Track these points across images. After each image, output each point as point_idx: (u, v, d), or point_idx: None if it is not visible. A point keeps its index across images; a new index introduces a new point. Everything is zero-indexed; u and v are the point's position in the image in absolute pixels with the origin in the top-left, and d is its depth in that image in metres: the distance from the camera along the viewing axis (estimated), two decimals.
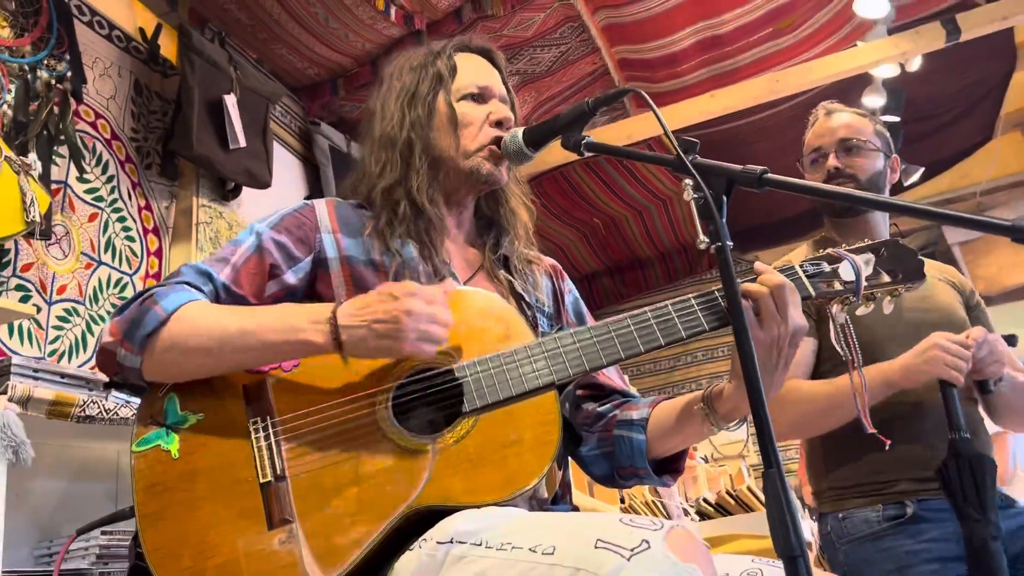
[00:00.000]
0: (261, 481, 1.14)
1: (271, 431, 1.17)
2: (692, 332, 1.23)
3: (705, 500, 2.43)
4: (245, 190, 3.24)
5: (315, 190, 3.76)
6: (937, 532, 1.80)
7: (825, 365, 1.96)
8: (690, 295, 1.25)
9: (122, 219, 2.82)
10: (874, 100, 4.56)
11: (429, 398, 1.20)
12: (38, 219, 1.89)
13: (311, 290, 1.34)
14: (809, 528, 2.62)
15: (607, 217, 5.59)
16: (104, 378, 1.58)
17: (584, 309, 1.57)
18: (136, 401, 1.59)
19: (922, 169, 5.22)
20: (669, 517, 2.57)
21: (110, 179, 2.80)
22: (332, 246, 1.34)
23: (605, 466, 1.41)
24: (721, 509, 2.36)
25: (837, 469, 1.94)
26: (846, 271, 1.26)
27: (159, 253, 2.96)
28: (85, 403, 1.44)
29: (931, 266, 2.11)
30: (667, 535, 0.93)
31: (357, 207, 1.42)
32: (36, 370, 1.41)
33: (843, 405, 1.79)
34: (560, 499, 1.37)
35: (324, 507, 1.13)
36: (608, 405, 1.43)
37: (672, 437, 1.34)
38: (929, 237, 5.83)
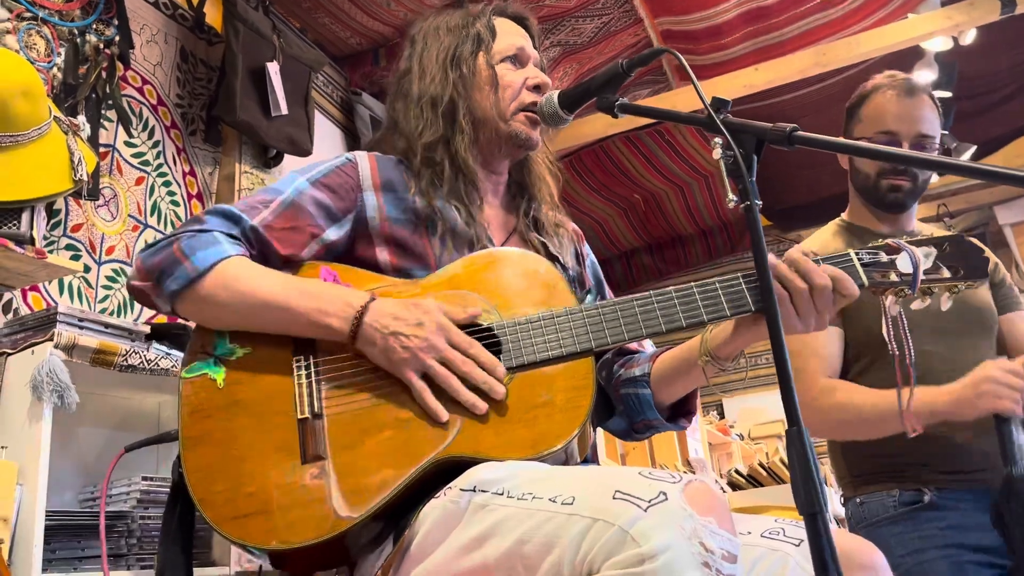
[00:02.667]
0: (299, 417, 1.17)
1: (313, 370, 1.21)
2: (737, 311, 1.23)
3: (737, 471, 2.42)
4: (287, 157, 3.29)
5: None
6: (953, 519, 1.77)
7: (863, 359, 1.90)
8: (739, 274, 1.25)
9: (167, 184, 2.89)
10: (925, 74, 4.46)
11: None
12: (85, 178, 1.94)
13: (351, 247, 1.35)
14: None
15: (647, 192, 5.56)
16: (146, 330, 1.63)
17: (601, 275, 1.59)
18: (177, 354, 1.65)
19: (974, 148, 5.11)
20: None
21: (156, 144, 2.86)
22: (373, 206, 1.35)
23: (620, 423, 1.44)
24: (753, 481, 2.35)
25: (856, 454, 1.92)
26: (904, 263, 1.23)
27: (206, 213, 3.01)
28: (127, 353, 1.49)
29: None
30: (685, 487, 0.94)
31: (398, 163, 1.43)
32: (81, 319, 1.45)
33: (892, 421, 1.74)
34: (589, 462, 1.39)
35: (356, 447, 1.16)
36: (614, 367, 1.45)
37: (676, 385, 1.37)
38: (979, 218, 5.70)
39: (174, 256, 1.20)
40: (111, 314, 2.54)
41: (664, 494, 0.93)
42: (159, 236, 1.27)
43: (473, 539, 1.04)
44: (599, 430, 1.49)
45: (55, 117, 1.98)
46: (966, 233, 2.09)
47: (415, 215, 1.36)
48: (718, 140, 1.17)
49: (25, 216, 1.87)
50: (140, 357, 1.51)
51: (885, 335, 1.44)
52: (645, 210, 5.77)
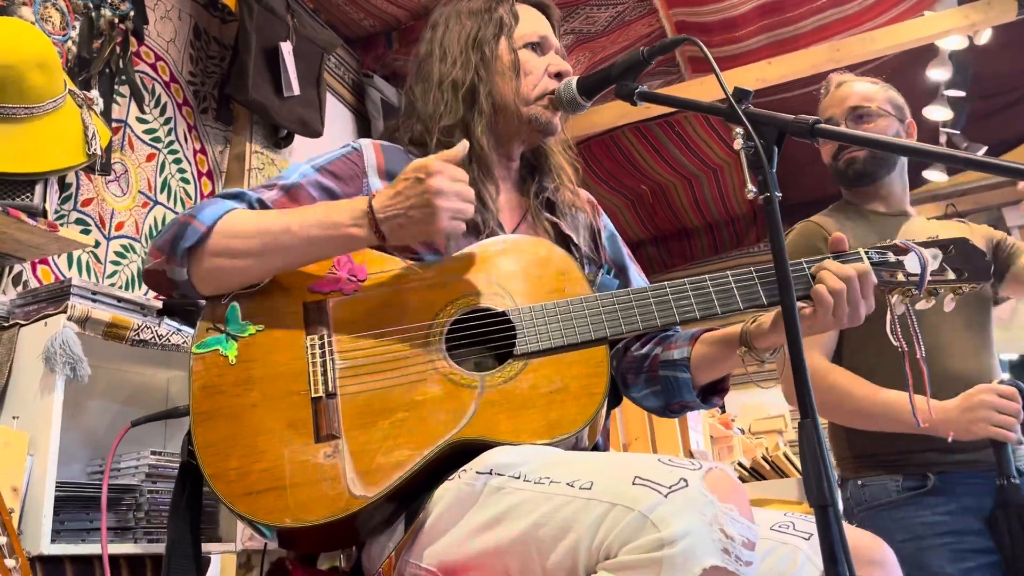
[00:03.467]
0: (313, 395, 1.17)
1: (327, 349, 1.21)
2: (750, 305, 1.25)
3: (740, 464, 2.43)
4: (297, 138, 3.28)
5: None
6: (955, 505, 1.79)
7: (868, 350, 1.92)
8: (751, 268, 1.27)
9: (178, 161, 2.88)
10: (939, 73, 4.44)
11: (482, 337, 1.23)
12: (99, 152, 1.94)
13: None
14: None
15: (655, 184, 5.54)
16: (158, 305, 1.64)
17: (622, 245, 1.59)
18: (188, 330, 1.65)
19: (985, 148, 5.08)
20: None
21: (167, 121, 2.85)
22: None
23: (656, 402, 1.45)
24: (755, 474, 2.36)
25: (860, 436, 1.93)
26: (911, 263, 1.25)
27: (212, 196, 3.01)
28: (139, 327, 1.49)
29: (957, 226, 2.10)
30: (706, 475, 0.94)
31: (405, 151, 1.43)
32: (95, 292, 1.45)
33: (894, 422, 1.79)
34: (599, 448, 1.39)
35: (371, 428, 1.16)
36: (649, 345, 1.45)
37: (714, 370, 1.38)
38: (987, 219, 5.69)
39: (181, 222, 1.22)
40: (120, 290, 2.54)
41: (685, 480, 0.93)
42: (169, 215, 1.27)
43: (487, 521, 1.05)
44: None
45: (70, 90, 1.98)
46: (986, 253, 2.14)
47: None
48: (739, 131, 1.17)
49: (38, 188, 1.87)
50: (152, 332, 1.51)
51: (889, 334, 1.45)
52: (652, 202, 5.75)
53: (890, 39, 3.89)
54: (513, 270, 1.28)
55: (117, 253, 2.56)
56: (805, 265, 1.25)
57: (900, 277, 1.25)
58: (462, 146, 1.23)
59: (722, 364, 1.36)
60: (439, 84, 1.43)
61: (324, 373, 1.19)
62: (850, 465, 1.96)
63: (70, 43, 2.33)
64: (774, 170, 1.14)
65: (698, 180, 5.51)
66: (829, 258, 1.25)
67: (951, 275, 1.25)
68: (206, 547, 1.48)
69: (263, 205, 1.29)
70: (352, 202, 1.22)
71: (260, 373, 1.20)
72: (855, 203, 2.10)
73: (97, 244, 2.46)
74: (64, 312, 1.39)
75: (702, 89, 4.23)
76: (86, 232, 2.43)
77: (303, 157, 3.32)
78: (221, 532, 1.59)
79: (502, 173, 1.48)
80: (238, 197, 1.29)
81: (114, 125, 2.57)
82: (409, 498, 1.16)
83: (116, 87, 2.54)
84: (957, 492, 1.80)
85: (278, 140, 3.24)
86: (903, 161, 2.10)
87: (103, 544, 1.33)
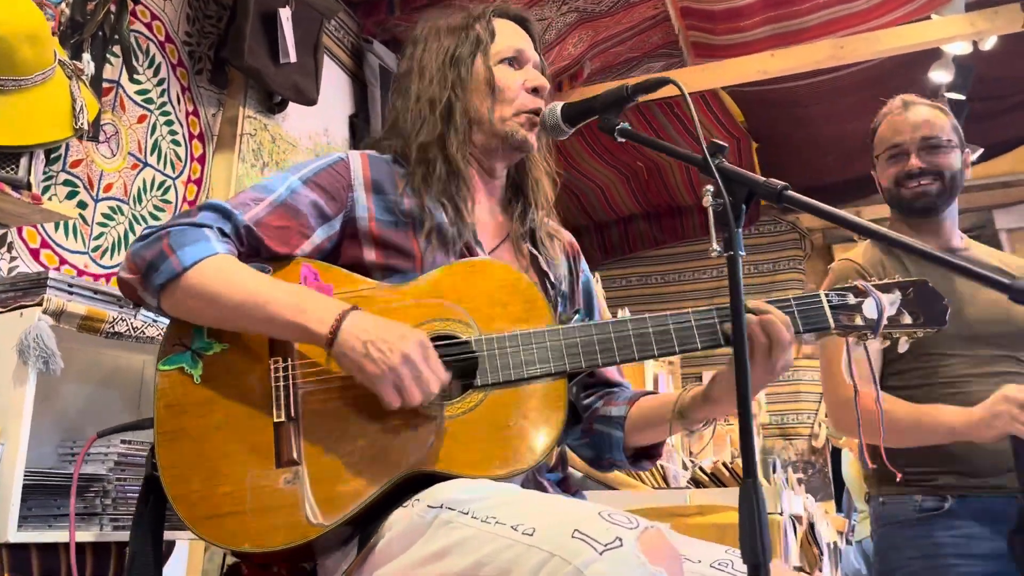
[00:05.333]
0: (275, 420, 1.19)
1: (290, 373, 1.22)
2: (708, 345, 1.28)
3: (701, 469, 2.51)
4: (291, 104, 3.27)
5: (361, 108, 3.78)
6: (968, 529, 1.83)
7: (902, 363, 1.94)
8: (713, 309, 1.28)
9: (169, 123, 2.87)
10: (941, 75, 4.43)
11: (444, 363, 1.23)
12: (86, 127, 1.94)
13: (339, 245, 1.36)
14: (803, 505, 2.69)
15: (651, 162, 5.55)
16: None
17: (593, 291, 1.61)
18: (163, 321, 1.67)
19: (981, 150, 5.09)
20: (666, 480, 2.65)
21: (161, 82, 2.84)
22: (363, 206, 1.36)
23: (588, 453, 1.50)
24: (715, 479, 2.45)
25: (887, 454, 1.97)
26: (869, 308, 1.27)
27: (202, 159, 3.01)
28: (115, 320, 1.51)
29: (1006, 259, 2.07)
30: (640, 535, 0.99)
31: (392, 162, 1.44)
32: (71, 285, 1.47)
33: (926, 436, 1.82)
34: (554, 469, 1.43)
35: (331, 455, 1.18)
36: (592, 398, 1.49)
37: (647, 434, 1.43)
38: (977, 220, 5.72)
39: (162, 250, 1.21)
40: (105, 251, 2.56)
41: (620, 540, 0.97)
42: (151, 225, 1.27)
43: (434, 553, 1.09)
44: None
45: (60, 61, 1.97)
46: (964, 234, 2.15)
47: (403, 215, 1.37)
48: (709, 187, 1.19)
49: (24, 161, 1.88)
50: (127, 325, 1.53)
51: (845, 374, 1.48)
52: (647, 179, 5.76)
53: (895, 40, 3.88)
54: (480, 296, 1.29)
55: (104, 215, 2.56)
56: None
57: (858, 321, 1.27)
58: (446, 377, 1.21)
59: (655, 430, 1.40)
60: (416, 101, 1.44)
61: (287, 397, 1.21)
62: (874, 482, 2.01)
63: (63, 6, 2.31)
64: (740, 229, 1.17)
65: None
66: (792, 300, 1.28)
67: (907, 319, 1.27)
68: (174, 535, 1.53)
69: (250, 233, 1.28)
70: (330, 301, 1.21)
71: (224, 394, 1.21)
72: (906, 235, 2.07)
73: (84, 206, 2.47)
74: (39, 304, 1.41)
75: (700, 76, 4.22)
76: (73, 194, 2.44)
77: (297, 122, 3.34)
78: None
79: (483, 190, 1.49)
80: (226, 216, 1.27)
81: (105, 86, 2.56)
82: (365, 522, 1.19)
83: (110, 47, 2.52)
84: (973, 516, 1.83)
85: (272, 106, 3.22)
86: (959, 191, 2.06)
87: (71, 531, 1.38)
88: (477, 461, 1.19)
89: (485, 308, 1.28)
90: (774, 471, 2.38)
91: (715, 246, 1.16)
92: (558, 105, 1.44)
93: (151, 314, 1.62)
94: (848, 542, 4.67)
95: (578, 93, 4.33)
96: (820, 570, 2.75)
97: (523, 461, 1.20)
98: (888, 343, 1.33)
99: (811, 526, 2.67)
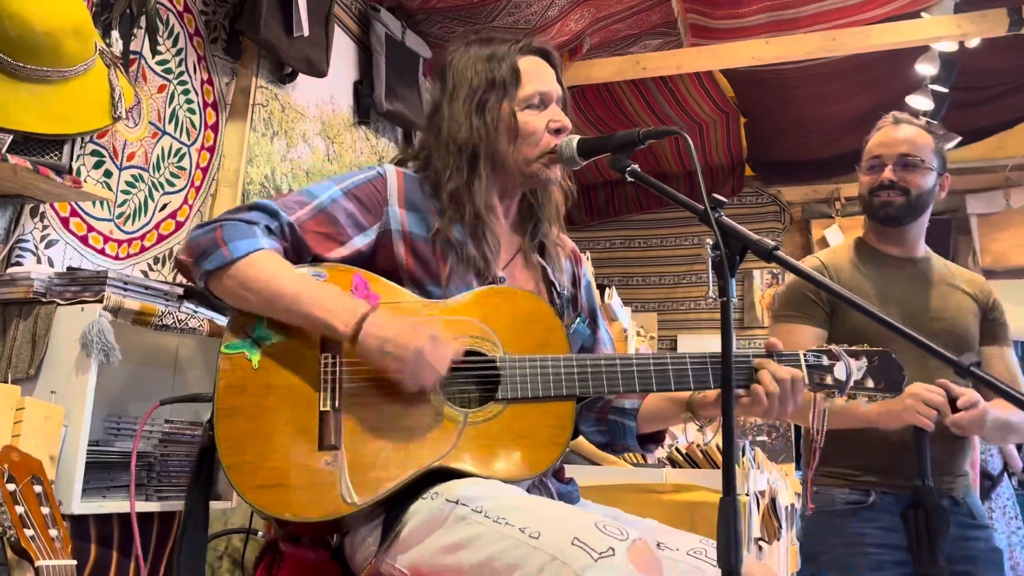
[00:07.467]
0: (321, 408, 1.37)
1: (338, 368, 1.40)
2: (700, 387, 1.49)
3: (677, 449, 2.73)
4: (300, 75, 3.36)
5: (366, 75, 3.86)
6: (888, 522, 2.04)
7: None
8: (706, 356, 1.48)
9: (186, 91, 2.97)
10: (927, 68, 4.58)
11: (472, 376, 1.45)
12: (124, 116, 2.06)
13: (374, 252, 1.52)
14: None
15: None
16: (179, 291, 1.81)
17: (595, 294, 1.79)
18: (204, 312, 1.84)
19: (959, 138, 5.27)
20: (645, 457, 2.87)
21: (179, 52, 2.92)
22: (397, 219, 1.52)
23: (601, 439, 1.70)
24: (690, 460, 2.67)
25: (826, 450, 2.12)
26: (840, 371, 1.49)
27: (215, 127, 3.12)
28: (163, 313, 1.67)
29: (960, 274, 2.26)
30: (630, 547, 1.19)
31: (422, 182, 1.59)
32: (127, 283, 1.63)
33: (847, 421, 2.03)
34: (554, 475, 1.63)
35: (367, 443, 1.37)
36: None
37: (657, 424, 1.64)
38: (949, 203, 5.91)
39: (215, 241, 1.39)
40: (127, 218, 2.69)
41: (613, 550, 1.18)
42: (205, 221, 1.45)
43: (452, 544, 1.30)
44: None
45: (100, 49, 2.07)
46: (934, 216, 2.33)
47: (433, 236, 1.53)
48: (709, 240, 1.37)
49: (66, 148, 2.00)
50: (173, 317, 1.69)
51: (810, 423, 1.69)
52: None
53: (885, 36, 4.03)
54: (506, 320, 1.48)
55: (127, 183, 2.68)
56: (752, 357, 1.47)
57: (828, 380, 1.48)
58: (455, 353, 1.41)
59: (664, 422, 1.62)
60: (447, 145, 1.56)
61: (333, 390, 1.39)
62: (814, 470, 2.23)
63: None
64: (733, 279, 1.35)
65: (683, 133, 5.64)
66: (772, 358, 1.47)
67: (870, 383, 1.48)
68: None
69: (292, 231, 1.45)
70: (356, 301, 1.40)
71: (278, 381, 1.40)
72: (870, 243, 2.24)
73: (109, 174, 2.59)
74: (100, 302, 1.57)
75: (696, 57, 4.34)
76: (100, 164, 2.56)
77: (306, 92, 3.46)
78: (219, 491, 1.82)
79: (502, 212, 1.64)
80: (273, 215, 1.45)
81: (130, 58, 2.65)
82: (390, 505, 1.39)
83: (137, 23, 2.61)
84: (892, 511, 2.05)
85: (283, 76, 3.32)
86: (929, 208, 2.22)
87: (131, 502, 1.56)
88: (491, 465, 1.40)
89: (510, 331, 1.47)
90: (743, 455, 2.61)
91: (711, 293, 1.34)
92: (575, 139, 1.59)
93: (191, 306, 1.78)
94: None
95: (576, 67, 4.44)
96: (779, 539, 3.00)
97: (530, 470, 1.42)
98: (848, 401, 1.55)
99: (772, 500, 2.91)
